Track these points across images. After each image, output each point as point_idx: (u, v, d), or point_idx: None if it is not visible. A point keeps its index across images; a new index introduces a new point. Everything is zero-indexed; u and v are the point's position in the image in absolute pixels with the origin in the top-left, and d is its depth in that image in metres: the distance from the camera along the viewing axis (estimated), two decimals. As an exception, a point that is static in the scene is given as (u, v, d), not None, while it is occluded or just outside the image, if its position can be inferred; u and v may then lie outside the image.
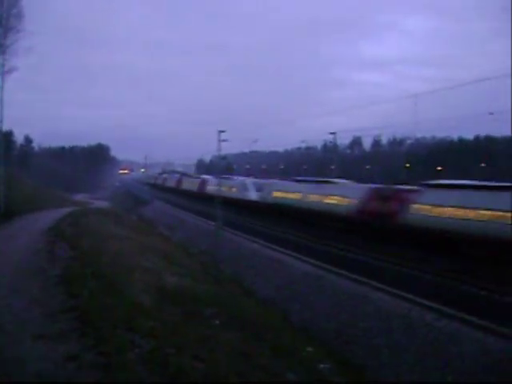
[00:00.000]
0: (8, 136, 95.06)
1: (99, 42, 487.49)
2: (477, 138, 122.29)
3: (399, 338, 16.22)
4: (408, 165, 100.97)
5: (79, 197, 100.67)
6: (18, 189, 57.44)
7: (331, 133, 53.70)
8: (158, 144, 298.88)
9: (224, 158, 52.14)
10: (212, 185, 66.48)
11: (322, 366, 14.16)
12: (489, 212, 26.15)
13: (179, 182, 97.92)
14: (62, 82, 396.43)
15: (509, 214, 24.21)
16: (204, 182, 77.53)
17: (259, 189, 55.38)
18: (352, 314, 18.82)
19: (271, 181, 59.21)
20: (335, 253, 28.84)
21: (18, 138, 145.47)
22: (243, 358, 10.52)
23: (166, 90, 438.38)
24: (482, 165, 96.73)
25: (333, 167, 59.64)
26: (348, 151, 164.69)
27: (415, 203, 30.61)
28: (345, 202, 36.71)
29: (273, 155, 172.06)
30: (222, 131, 43.94)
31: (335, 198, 37.84)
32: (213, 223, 42.50)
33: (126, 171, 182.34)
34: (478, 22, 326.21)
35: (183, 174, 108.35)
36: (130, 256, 22.09)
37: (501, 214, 25.12)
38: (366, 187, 38.36)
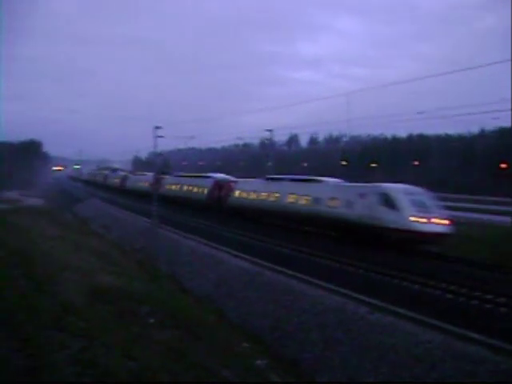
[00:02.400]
0: None
1: (25, 34, 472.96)
2: (410, 136, 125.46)
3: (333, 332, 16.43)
4: (344, 162, 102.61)
5: (10, 194, 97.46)
6: None
7: (268, 130, 53.80)
8: (92, 140, 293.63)
9: (160, 154, 51.40)
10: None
11: (258, 362, 14.22)
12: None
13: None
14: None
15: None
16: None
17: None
18: (288, 309, 18.95)
19: None
20: (273, 249, 28.94)
21: None
22: (177, 356, 10.45)
23: (100, 85, 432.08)
24: (416, 163, 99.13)
25: (270, 164, 59.71)
26: (285, 148, 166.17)
27: None
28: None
29: (210, 152, 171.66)
30: (158, 127, 43.47)
31: None
32: (149, 220, 42.01)
33: (60, 168, 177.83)
34: (407, 24, 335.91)
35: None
36: (62, 255, 21.59)
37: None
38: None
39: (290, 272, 22.50)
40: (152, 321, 13.43)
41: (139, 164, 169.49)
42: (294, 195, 37.24)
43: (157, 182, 59.20)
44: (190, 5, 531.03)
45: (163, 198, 52.10)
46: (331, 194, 33.58)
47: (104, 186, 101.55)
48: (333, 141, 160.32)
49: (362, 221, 29.55)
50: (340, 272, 22.74)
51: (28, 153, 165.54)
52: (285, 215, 38.03)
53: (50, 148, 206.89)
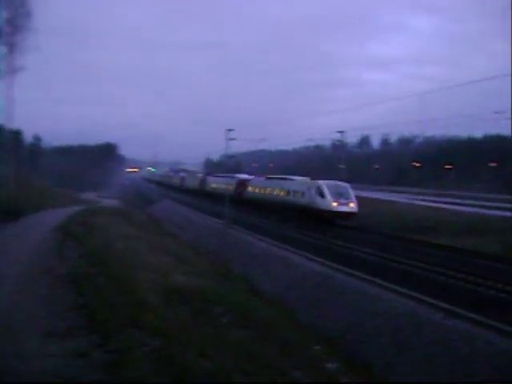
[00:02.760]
0: (17, 135, 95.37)
1: (104, 41, 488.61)
2: (486, 137, 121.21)
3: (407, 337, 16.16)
4: (417, 163, 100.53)
5: (88, 195, 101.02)
6: (27, 188, 57.79)
7: (339, 131, 53.40)
8: (165, 143, 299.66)
9: (232, 156, 53.08)
10: None
11: (329, 365, 14.16)
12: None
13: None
14: (68, 80, 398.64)
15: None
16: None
17: None
18: (360, 312, 18.79)
19: None
20: (345, 252, 28.74)
21: (27, 137, 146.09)
22: (250, 356, 10.55)
23: (172, 89, 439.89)
24: (493, 164, 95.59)
25: (341, 166, 59.29)
26: (357, 150, 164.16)
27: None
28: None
29: (281, 154, 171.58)
30: (230, 130, 43.96)
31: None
32: (220, 221, 42.46)
33: (134, 169, 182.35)
34: (479, 21, 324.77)
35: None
36: (138, 255, 22.16)
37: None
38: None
39: (362, 274, 22.30)
40: (225, 321, 13.61)
41: (211, 166, 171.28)
42: (278, 189, 50.92)
43: (202, 181, 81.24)
44: (260, 8, 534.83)
45: (207, 194, 73.60)
46: (295, 188, 47.58)
47: (170, 186, 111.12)
48: (405, 142, 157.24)
49: (308, 205, 43.68)
50: (413, 276, 22.34)
51: (104, 155, 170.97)
52: (274, 203, 50.78)
53: (126, 151, 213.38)
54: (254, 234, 36.81)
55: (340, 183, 45.21)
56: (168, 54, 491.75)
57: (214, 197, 67.17)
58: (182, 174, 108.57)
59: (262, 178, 61.59)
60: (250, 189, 59.98)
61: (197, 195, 77.93)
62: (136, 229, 37.17)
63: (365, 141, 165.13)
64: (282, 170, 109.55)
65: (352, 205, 41.88)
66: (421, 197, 70.24)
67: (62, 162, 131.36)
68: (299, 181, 50.62)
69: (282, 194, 49.23)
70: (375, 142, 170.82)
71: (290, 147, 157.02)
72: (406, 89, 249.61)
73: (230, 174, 74.82)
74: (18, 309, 11.71)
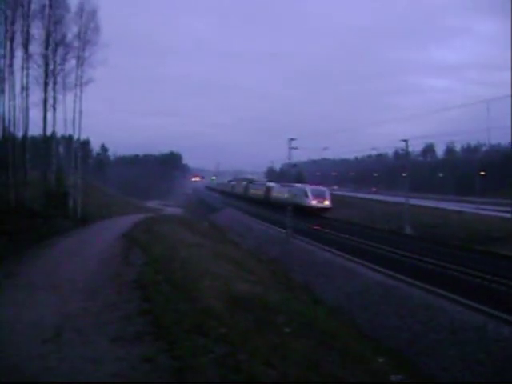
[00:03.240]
0: (85, 145, 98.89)
1: (168, 53, 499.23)
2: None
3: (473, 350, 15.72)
4: (483, 172, 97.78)
5: (152, 203, 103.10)
6: (94, 196, 59.63)
7: (403, 140, 52.45)
8: (228, 152, 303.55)
9: (295, 165, 53.63)
10: None
11: (392, 377, 13.93)
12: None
13: None
14: (134, 92, 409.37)
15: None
16: None
17: None
18: (425, 324, 18.41)
19: None
20: (410, 262, 28.26)
21: (95, 146, 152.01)
22: (313, 366, 10.51)
23: (235, 99, 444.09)
24: None
25: (404, 175, 58.38)
26: (420, 158, 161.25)
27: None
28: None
29: (343, 163, 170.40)
30: (293, 139, 43.99)
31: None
32: (284, 231, 42.51)
33: (198, 179, 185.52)
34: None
35: None
36: (201, 262, 22.38)
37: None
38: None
39: (426, 285, 21.88)
40: (287, 330, 13.58)
41: (273, 175, 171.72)
42: (285, 193, 62.60)
43: (246, 188, 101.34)
44: (322, 17, 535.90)
45: (249, 197, 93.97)
46: (293, 192, 58.56)
47: (224, 192, 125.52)
48: (471, 150, 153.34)
49: (299, 203, 58.82)
50: (483, 288, 21.75)
51: (168, 164, 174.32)
52: (282, 202, 60.36)
53: (190, 160, 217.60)
54: (315, 242, 36.74)
55: (320, 188, 66.90)
56: (232, 65, 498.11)
57: (253, 199, 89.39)
58: (233, 183, 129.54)
59: (279, 186, 79.04)
60: (272, 193, 78.84)
61: (242, 199, 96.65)
62: (199, 237, 37.62)
63: (429, 149, 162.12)
64: (344, 179, 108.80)
65: (326, 202, 62.52)
66: (488, 207, 68.42)
67: (128, 171, 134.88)
68: (297, 187, 65.66)
69: (286, 195, 60.02)
70: (439, 151, 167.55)
71: (352, 156, 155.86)
72: (473, 95, 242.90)
73: (261, 182, 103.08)
74: (88, 313, 12.06)
